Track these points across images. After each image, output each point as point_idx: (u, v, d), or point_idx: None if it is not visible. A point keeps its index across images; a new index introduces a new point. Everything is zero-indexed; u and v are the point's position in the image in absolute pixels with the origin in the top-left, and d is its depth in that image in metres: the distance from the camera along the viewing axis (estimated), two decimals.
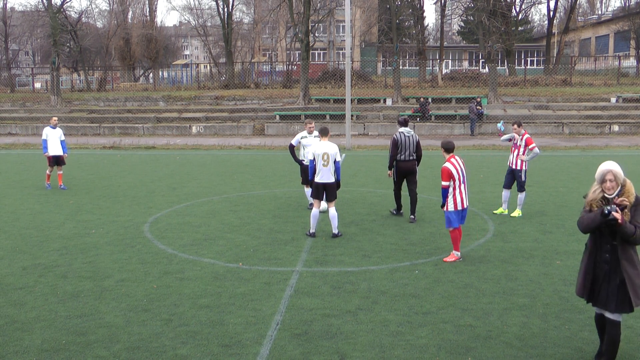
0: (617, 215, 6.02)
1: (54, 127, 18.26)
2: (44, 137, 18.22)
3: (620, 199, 6.22)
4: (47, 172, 18.46)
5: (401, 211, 14.32)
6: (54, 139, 18.18)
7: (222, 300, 8.80)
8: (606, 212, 6.03)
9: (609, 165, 6.25)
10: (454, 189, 10.55)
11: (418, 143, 13.77)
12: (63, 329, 7.79)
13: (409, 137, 13.63)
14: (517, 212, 13.99)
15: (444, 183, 10.53)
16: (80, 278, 9.84)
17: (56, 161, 18.31)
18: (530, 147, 13.71)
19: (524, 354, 6.97)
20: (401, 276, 9.81)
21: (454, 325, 7.82)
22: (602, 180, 6.22)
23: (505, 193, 14.20)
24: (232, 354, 7.05)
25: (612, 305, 6.29)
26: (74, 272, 10.17)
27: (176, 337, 7.51)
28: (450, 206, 10.59)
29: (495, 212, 14.35)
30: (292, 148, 14.67)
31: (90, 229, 13.15)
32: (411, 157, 13.72)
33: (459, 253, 10.65)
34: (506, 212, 14.21)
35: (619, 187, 6.22)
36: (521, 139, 13.84)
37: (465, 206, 10.63)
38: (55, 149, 18.18)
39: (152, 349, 7.18)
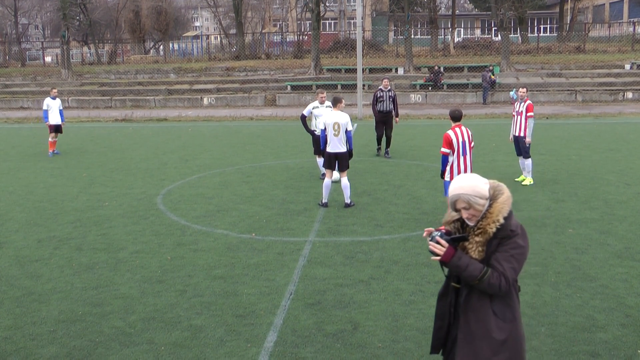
0: (435, 247, 4.13)
1: (54, 98, 19.46)
2: (44, 107, 19.49)
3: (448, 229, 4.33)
4: (50, 139, 19.52)
5: (381, 149, 18.17)
6: (54, 109, 19.39)
7: (236, 271, 8.87)
8: (429, 238, 4.21)
9: (459, 189, 4.18)
10: (452, 159, 10.47)
11: (394, 99, 17.73)
12: (79, 300, 7.89)
13: (386, 92, 17.65)
14: (528, 180, 13.95)
15: (443, 149, 10.48)
16: (94, 250, 9.94)
17: (56, 129, 19.44)
18: (528, 114, 13.68)
19: (536, 322, 7.00)
20: (413, 245, 9.83)
21: None
22: (454, 209, 4.29)
23: (522, 160, 14.15)
24: (247, 324, 7.12)
25: None
26: (88, 244, 10.27)
27: (191, 308, 7.59)
28: (447, 175, 10.55)
29: (517, 179, 14.28)
30: (303, 118, 14.66)
31: (103, 202, 13.24)
32: (387, 109, 17.59)
33: None
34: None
35: (484, 211, 4.16)
36: (524, 104, 13.80)
37: None
38: (55, 119, 19.38)
39: (167, 320, 7.26)
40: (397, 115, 17.90)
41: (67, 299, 7.94)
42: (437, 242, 4.14)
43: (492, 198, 4.18)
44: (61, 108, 19.74)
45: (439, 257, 4.13)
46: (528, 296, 7.71)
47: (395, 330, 6.90)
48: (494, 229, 4.09)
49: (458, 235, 4.26)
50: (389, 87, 17.86)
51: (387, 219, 11.37)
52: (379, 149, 18.21)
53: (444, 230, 4.24)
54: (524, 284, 8.08)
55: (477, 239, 4.16)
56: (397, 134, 21.93)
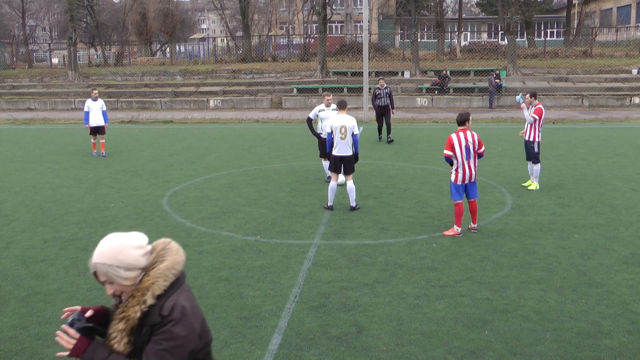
0: (62, 338, 3.01)
1: (94, 100, 19.69)
2: (85, 109, 19.70)
3: (89, 312, 3.11)
4: (92, 141, 19.80)
5: (382, 137, 21.81)
6: (95, 111, 19.54)
7: (241, 273, 8.87)
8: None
9: (98, 256, 3.07)
10: (456, 162, 10.48)
11: (390, 95, 21.38)
12: (84, 301, 7.89)
13: (383, 89, 21.25)
14: (534, 185, 13.92)
15: (445, 151, 10.51)
16: None
17: (97, 130, 19.61)
18: (532, 115, 13.67)
19: (541, 328, 6.98)
20: (419, 249, 9.83)
21: (471, 298, 7.84)
22: (99, 282, 3.11)
23: (530, 165, 14.11)
24: (251, 326, 7.12)
25: None
26: (94, 245, 10.19)
27: None
28: (452, 177, 10.57)
29: (524, 184, 14.24)
30: (309, 121, 14.67)
31: (109, 203, 13.27)
32: (385, 103, 21.23)
33: (459, 228, 10.55)
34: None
35: (135, 285, 3.04)
36: (532, 108, 13.78)
37: (466, 181, 10.47)
38: (96, 120, 19.51)
39: None
40: (393, 108, 21.54)
41: (72, 300, 7.95)
42: (66, 332, 3.00)
43: (149, 267, 3.03)
44: (104, 109, 19.78)
45: (67, 353, 3.01)
46: (533, 301, 7.69)
47: (400, 333, 6.90)
48: (139, 313, 2.95)
49: (89, 324, 3.07)
50: (385, 86, 21.48)
51: (393, 223, 11.36)
52: (380, 137, 21.82)
53: (87, 315, 3.09)
54: (528, 289, 8.07)
55: (119, 326, 3.00)
56: (403, 137, 22.06)
